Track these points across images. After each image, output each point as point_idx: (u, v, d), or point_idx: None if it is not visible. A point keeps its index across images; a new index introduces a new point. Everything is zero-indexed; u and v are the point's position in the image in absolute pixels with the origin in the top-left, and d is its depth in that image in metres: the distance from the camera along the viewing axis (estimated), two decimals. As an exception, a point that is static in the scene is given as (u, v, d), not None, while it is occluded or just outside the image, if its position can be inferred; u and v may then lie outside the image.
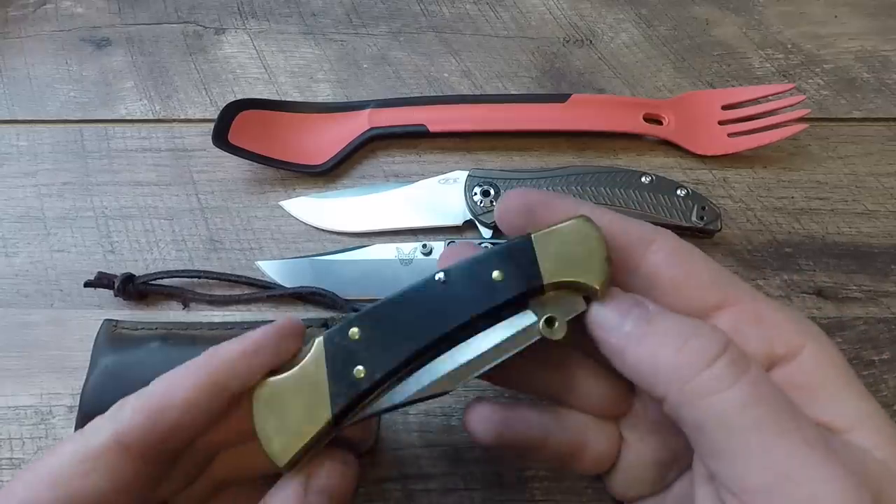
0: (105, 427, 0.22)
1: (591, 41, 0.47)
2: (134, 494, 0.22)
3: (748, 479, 0.19)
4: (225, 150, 0.40)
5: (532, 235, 0.23)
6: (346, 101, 0.45)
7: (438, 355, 0.23)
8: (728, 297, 0.23)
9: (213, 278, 0.38)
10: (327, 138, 0.42)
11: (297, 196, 0.41)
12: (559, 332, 0.23)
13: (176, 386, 0.23)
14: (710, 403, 0.20)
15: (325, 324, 0.35)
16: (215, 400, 0.23)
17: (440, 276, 0.24)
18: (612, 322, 0.23)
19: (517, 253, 0.23)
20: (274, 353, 0.24)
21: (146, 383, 0.33)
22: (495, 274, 0.23)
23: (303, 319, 0.36)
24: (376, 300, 0.37)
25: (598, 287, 0.23)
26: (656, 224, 0.37)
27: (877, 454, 0.20)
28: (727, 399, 0.20)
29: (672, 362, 0.21)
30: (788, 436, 0.19)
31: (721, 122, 0.42)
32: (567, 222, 0.23)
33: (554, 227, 0.23)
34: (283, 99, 0.45)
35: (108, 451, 0.22)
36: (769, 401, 0.20)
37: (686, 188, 0.38)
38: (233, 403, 0.23)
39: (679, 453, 0.25)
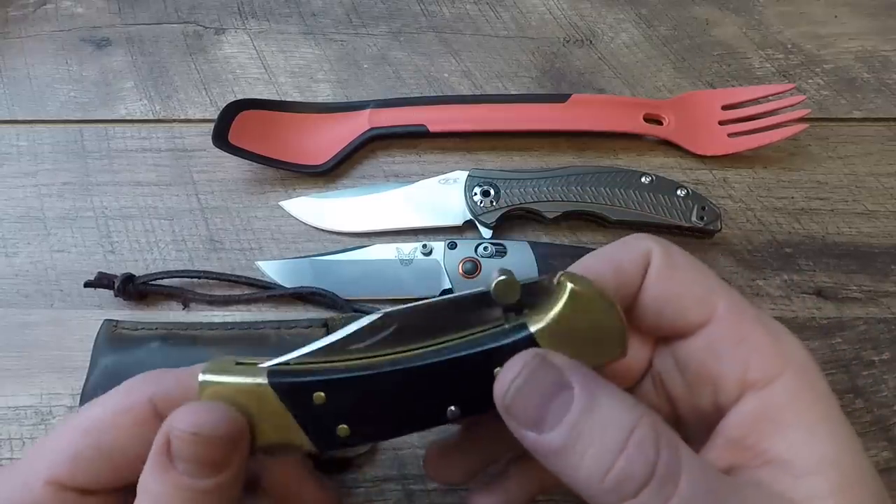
0: (141, 388, 0.23)
1: (591, 41, 0.47)
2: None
3: None
4: (225, 150, 0.40)
5: (531, 330, 0.21)
6: (346, 101, 0.45)
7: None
8: (714, 313, 0.22)
9: (213, 278, 0.38)
10: (327, 138, 0.42)
11: (297, 196, 0.41)
12: None
13: None
14: None
15: (325, 323, 0.35)
16: None
17: (423, 361, 0.21)
18: (526, 413, 0.20)
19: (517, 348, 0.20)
20: None
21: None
22: (497, 371, 0.20)
23: (303, 319, 0.36)
24: (376, 300, 0.37)
25: (619, 356, 0.21)
26: (657, 224, 0.38)
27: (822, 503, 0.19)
28: None
29: (599, 489, 0.19)
30: None
31: (721, 122, 0.42)
32: (562, 301, 0.20)
33: (553, 313, 0.20)
34: (283, 99, 0.45)
35: (140, 410, 0.22)
36: None
37: (686, 188, 0.38)
38: None
39: None
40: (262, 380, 0.21)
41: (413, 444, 0.34)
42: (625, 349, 0.21)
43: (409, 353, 0.21)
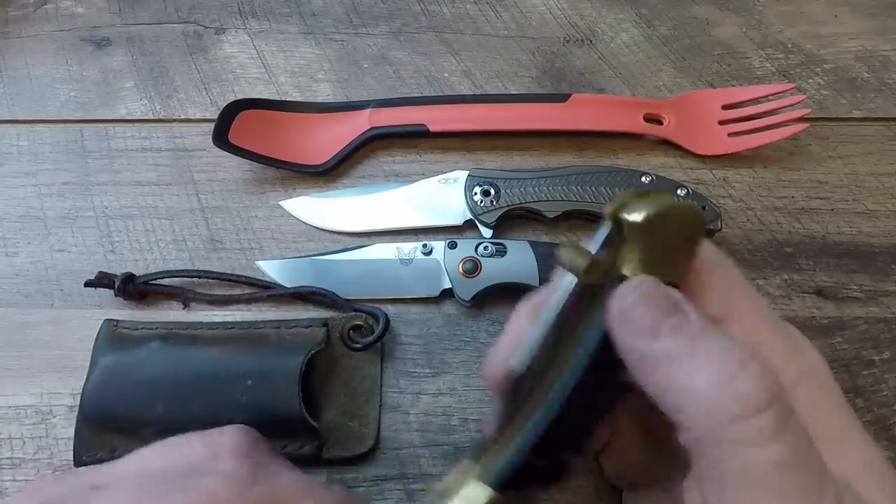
0: None
1: (591, 41, 0.47)
2: None
3: None
4: (225, 150, 0.40)
5: (627, 276, 0.21)
6: (346, 101, 0.45)
7: None
8: (732, 311, 0.22)
9: (213, 278, 0.38)
10: (327, 138, 0.42)
11: (297, 196, 0.41)
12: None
13: None
14: (744, 454, 0.18)
15: (325, 323, 0.35)
16: None
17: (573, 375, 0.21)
18: (642, 322, 0.20)
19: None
20: None
21: (147, 383, 0.33)
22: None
23: (303, 319, 0.36)
24: (376, 300, 0.37)
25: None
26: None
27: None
28: (763, 455, 0.18)
29: (711, 399, 0.19)
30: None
31: (721, 122, 0.42)
32: (633, 235, 0.21)
33: (635, 253, 0.21)
34: (283, 99, 0.45)
35: None
36: (803, 465, 0.18)
37: (686, 188, 0.38)
38: None
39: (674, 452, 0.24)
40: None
41: (413, 444, 0.34)
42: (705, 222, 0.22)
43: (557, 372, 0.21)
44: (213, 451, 0.25)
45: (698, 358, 0.19)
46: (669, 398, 0.20)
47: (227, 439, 0.26)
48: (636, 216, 0.20)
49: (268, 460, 0.26)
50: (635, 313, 0.20)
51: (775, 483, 0.18)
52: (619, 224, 0.21)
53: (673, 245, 0.21)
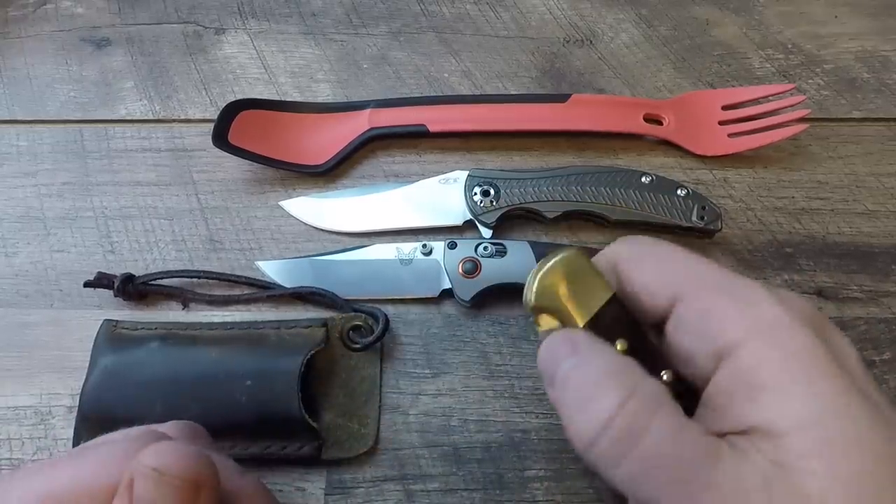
0: (111, 467, 0.22)
1: (591, 41, 0.47)
2: None
3: None
4: (225, 150, 0.40)
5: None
6: (346, 101, 0.45)
7: None
8: (678, 295, 0.23)
9: (212, 278, 0.38)
10: (327, 138, 0.42)
11: (297, 196, 0.41)
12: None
13: None
14: (608, 475, 0.20)
15: (324, 323, 0.35)
16: None
17: None
18: (542, 355, 0.23)
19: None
20: None
21: (146, 383, 0.33)
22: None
23: (302, 319, 0.36)
24: (376, 300, 0.37)
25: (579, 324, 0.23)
26: (657, 224, 0.38)
27: (807, 464, 0.19)
28: (618, 476, 0.20)
29: (573, 427, 0.21)
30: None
31: (721, 123, 0.42)
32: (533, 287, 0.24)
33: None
34: (283, 99, 0.45)
35: (108, 490, 0.22)
36: (652, 471, 0.20)
37: (686, 188, 0.38)
38: None
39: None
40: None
41: (413, 445, 0.34)
42: (609, 287, 0.23)
43: None
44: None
45: (568, 385, 0.22)
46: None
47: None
48: (529, 298, 0.24)
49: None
50: (540, 367, 0.23)
51: (646, 491, 0.20)
52: (533, 310, 0.24)
53: (574, 288, 0.24)
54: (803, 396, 0.19)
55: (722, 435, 0.20)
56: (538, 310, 0.24)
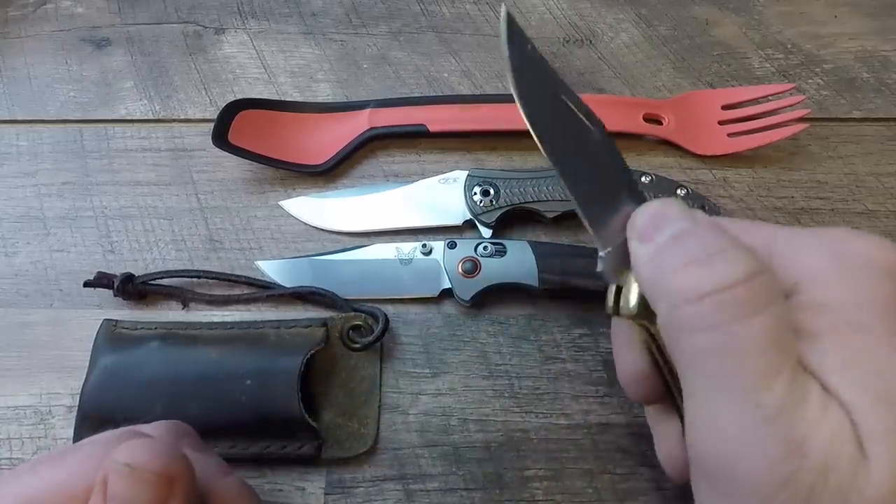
0: (89, 468, 0.22)
1: (591, 41, 0.47)
2: None
3: (694, 445, 0.19)
4: (225, 150, 0.40)
5: None
6: (346, 101, 0.45)
7: None
8: (761, 243, 0.22)
9: (212, 278, 0.38)
10: (327, 138, 0.42)
11: (297, 196, 0.41)
12: None
13: None
14: (684, 340, 0.20)
15: (324, 323, 0.35)
16: None
17: None
18: (640, 227, 0.22)
19: None
20: None
21: (146, 383, 0.33)
22: None
23: (302, 319, 0.36)
24: (376, 300, 0.37)
25: None
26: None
27: (856, 418, 0.18)
28: (696, 342, 0.19)
29: (669, 285, 0.20)
30: (738, 400, 0.18)
31: (721, 122, 0.42)
32: None
33: None
34: (283, 99, 0.45)
35: (83, 493, 0.22)
36: (735, 353, 0.19)
37: (686, 188, 0.38)
38: None
39: None
40: None
41: (413, 444, 0.34)
42: None
43: None
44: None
45: (673, 250, 0.21)
46: (649, 289, 0.21)
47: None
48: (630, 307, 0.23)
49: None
50: (636, 220, 0.23)
51: (708, 370, 0.19)
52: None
53: None
54: (860, 341, 0.19)
55: None
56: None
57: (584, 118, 0.25)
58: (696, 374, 0.20)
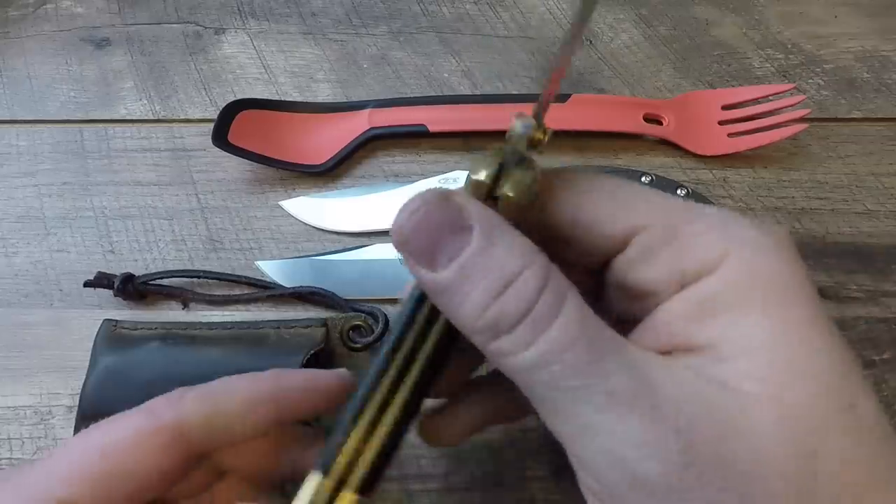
0: (166, 410, 0.22)
1: (590, 41, 0.47)
2: (169, 482, 0.22)
3: (559, 434, 0.18)
4: (225, 150, 0.40)
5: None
6: (346, 101, 0.45)
7: None
8: (640, 224, 0.20)
9: (212, 278, 0.38)
10: (327, 138, 0.42)
11: (297, 196, 0.41)
12: None
13: (237, 389, 0.23)
14: (505, 364, 0.18)
15: (324, 323, 0.35)
16: (262, 416, 0.23)
17: None
18: (418, 246, 0.19)
19: None
20: (326, 405, 0.24)
21: (146, 383, 0.33)
22: None
23: (302, 319, 0.36)
24: (376, 300, 0.37)
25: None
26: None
27: (749, 386, 0.17)
28: (515, 363, 0.18)
29: (471, 327, 0.18)
30: (588, 392, 0.17)
31: (721, 122, 0.42)
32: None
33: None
34: (283, 99, 0.45)
35: (166, 433, 0.22)
36: (566, 356, 0.17)
37: (686, 188, 0.38)
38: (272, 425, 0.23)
39: None
40: None
41: (413, 445, 0.34)
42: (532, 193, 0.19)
43: None
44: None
45: (467, 286, 0.18)
46: (453, 322, 0.19)
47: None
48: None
49: None
50: (415, 238, 0.19)
51: (543, 384, 0.18)
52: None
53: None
54: (763, 320, 0.18)
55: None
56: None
57: None
58: (555, 408, 0.18)
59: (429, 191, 0.19)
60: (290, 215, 0.40)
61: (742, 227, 0.19)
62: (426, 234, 0.19)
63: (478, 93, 0.45)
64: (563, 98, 0.42)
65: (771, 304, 0.18)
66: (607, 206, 0.20)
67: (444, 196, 0.19)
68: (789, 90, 0.42)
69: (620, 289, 0.21)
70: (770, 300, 0.18)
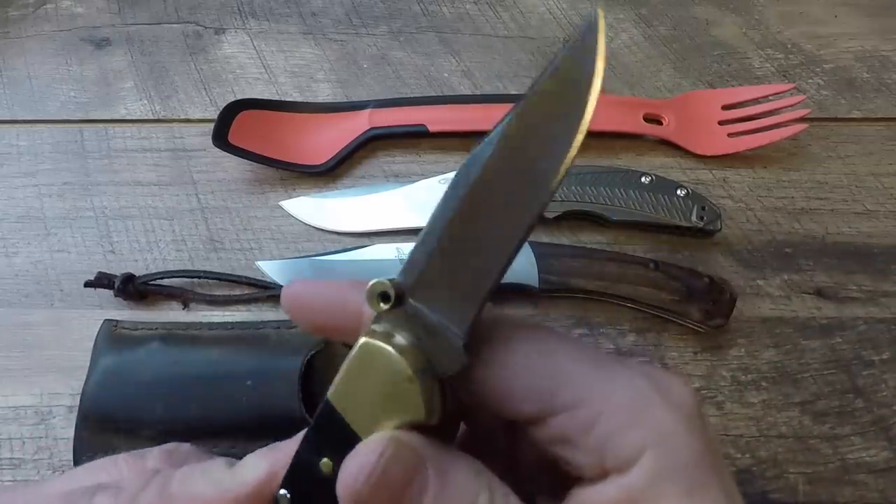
0: (251, 477, 0.23)
1: (591, 41, 0.47)
2: None
3: None
4: (225, 150, 0.40)
5: (328, 397, 0.20)
6: (346, 101, 0.45)
7: None
8: (554, 404, 0.20)
9: (213, 278, 0.38)
10: (327, 138, 0.42)
11: (297, 196, 0.41)
12: None
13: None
14: None
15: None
16: None
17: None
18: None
19: (326, 426, 0.20)
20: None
21: (146, 383, 0.33)
22: (323, 463, 0.20)
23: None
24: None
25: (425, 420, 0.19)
26: (657, 224, 0.38)
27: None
28: None
29: None
30: None
31: (721, 122, 0.42)
32: (354, 353, 0.20)
33: (344, 370, 0.20)
34: (283, 99, 0.45)
35: (251, 499, 0.22)
36: None
37: (686, 188, 0.38)
38: None
39: None
40: None
41: (413, 444, 0.34)
42: (430, 412, 0.19)
43: None
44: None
45: None
46: None
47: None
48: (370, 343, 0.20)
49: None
50: (376, 497, 0.19)
51: None
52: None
53: (385, 396, 0.20)
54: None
55: None
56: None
57: None
58: None
59: (381, 439, 0.19)
60: (290, 215, 0.40)
61: (655, 409, 0.19)
62: (389, 489, 0.19)
63: (478, 93, 0.45)
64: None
65: (687, 495, 0.19)
66: (523, 379, 0.20)
67: (398, 442, 0.19)
68: (789, 90, 0.42)
69: (539, 447, 0.21)
70: (686, 490, 0.19)
